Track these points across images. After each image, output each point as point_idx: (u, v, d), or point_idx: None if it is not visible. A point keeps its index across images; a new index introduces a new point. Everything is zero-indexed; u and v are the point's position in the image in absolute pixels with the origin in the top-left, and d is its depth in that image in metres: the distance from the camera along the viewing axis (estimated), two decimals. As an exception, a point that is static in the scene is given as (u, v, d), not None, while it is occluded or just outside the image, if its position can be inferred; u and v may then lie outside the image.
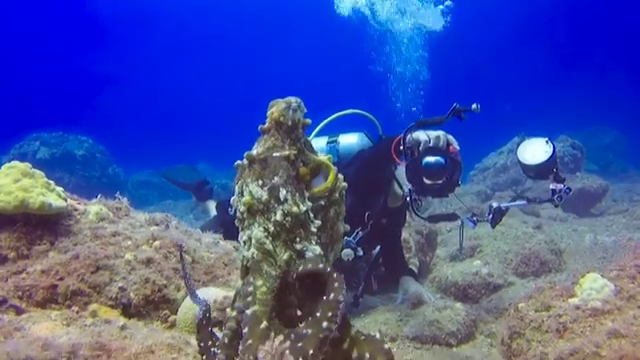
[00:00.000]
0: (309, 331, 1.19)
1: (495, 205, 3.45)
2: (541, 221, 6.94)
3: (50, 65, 32.41)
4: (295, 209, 1.31)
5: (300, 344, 1.16)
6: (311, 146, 1.41)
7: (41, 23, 31.30)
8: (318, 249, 1.33)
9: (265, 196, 1.32)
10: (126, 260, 2.26)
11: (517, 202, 3.60)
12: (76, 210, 2.62)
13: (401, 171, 4.14)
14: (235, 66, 37.18)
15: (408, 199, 3.55)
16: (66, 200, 2.55)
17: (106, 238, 2.43)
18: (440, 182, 3.44)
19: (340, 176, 1.41)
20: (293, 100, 1.35)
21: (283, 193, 1.31)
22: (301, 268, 1.29)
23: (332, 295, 1.22)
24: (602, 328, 1.97)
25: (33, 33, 31.29)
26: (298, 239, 1.31)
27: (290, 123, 1.33)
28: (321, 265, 1.28)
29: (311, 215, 1.34)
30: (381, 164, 4.11)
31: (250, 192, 1.33)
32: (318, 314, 1.22)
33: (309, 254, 1.32)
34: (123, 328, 1.72)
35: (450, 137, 3.51)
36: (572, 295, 2.32)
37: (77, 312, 1.97)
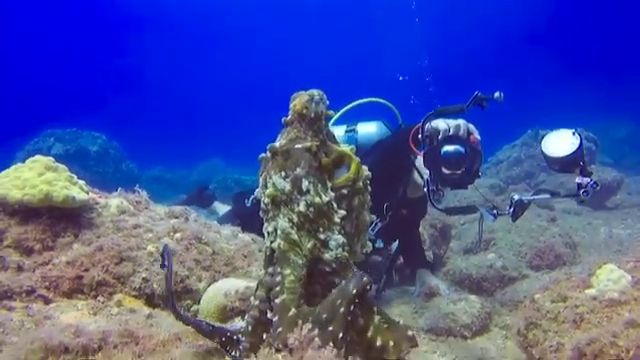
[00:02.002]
0: (338, 303, 1.22)
1: (517, 197, 3.25)
2: (555, 214, 6.90)
3: (63, 61, 32.71)
4: (318, 200, 1.34)
5: (330, 328, 1.20)
6: (333, 137, 1.43)
7: (54, 19, 31.57)
8: (341, 239, 1.35)
9: (288, 187, 1.35)
10: (148, 252, 2.31)
11: (540, 196, 3.41)
12: (97, 203, 2.68)
13: (422, 160, 4.12)
14: (247, 61, 37.23)
15: (426, 189, 3.43)
16: (88, 193, 2.61)
17: (128, 230, 2.48)
18: (459, 172, 3.31)
19: (364, 167, 1.44)
20: (316, 92, 1.37)
21: (305, 184, 1.34)
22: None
23: (361, 278, 1.25)
24: (619, 318, 1.98)
25: (46, 29, 31.57)
26: (321, 229, 1.34)
27: (313, 115, 1.36)
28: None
29: (334, 205, 1.36)
30: (399, 154, 4.07)
31: (273, 184, 1.36)
32: (345, 292, 1.26)
33: (332, 243, 1.35)
34: (149, 317, 1.77)
35: (471, 126, 3.40)
36: (589, 286, 2.32)
37: (103, 302, 2.02)
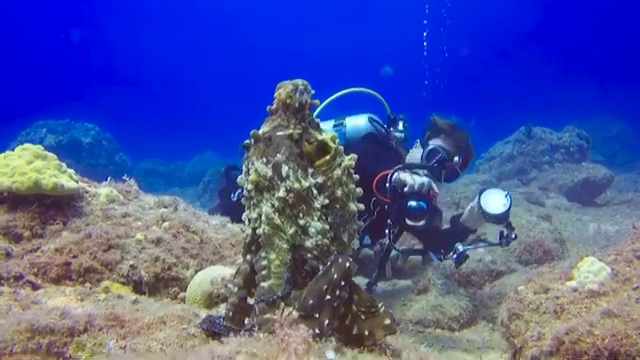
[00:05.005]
0: (324, 288, 1.25)
1: (461, 249, 3.77)
2: (546, 210, 6.97)
3: (58, 52, 32.57)
4: (297, 185, 1.36)
5: (316, 315, 1.23)
6: (317, 125, 1.45)
7: (49, 12, 31.40)
8: (320, 225, 1.38)
9: (269, 173, 1.37)
10: (136, 240, 2.34)
11: (479, 244, 4.15)
12: (87, 192, 2.69)
13: (413, 156, 4.17)
14: (239, 53, 37.19)
15: (387, 231, 3.79)
16: (77, 182, 2.62)
17: (117, 219, 2.50)
18: (420, 224, 3.68)
19: (353, 155, 1.45)
20: (300, 82, 1.39)
21: (285, 169, 1.36)
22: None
23: (341, 261, 1.28)
24: (597, 309, 2.02)
25: (42, 22, 31.41)
26: (301, 214, 1.37)
27: (297, 105, 1.38)
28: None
29: (314, 191, 1.38)
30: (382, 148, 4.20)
31: (256, 170, 1.39)
32: (329, 277, 1.29)
33: (312, 230, 1.37)
34: (135, 302, 1.80)
35: (434, 185, 3.76)
36: (570, 278, 2.36)
37: (90, 288, 2.04)
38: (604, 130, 17.01)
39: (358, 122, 4.40)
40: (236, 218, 3.05)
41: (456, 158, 3.94)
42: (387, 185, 3.72)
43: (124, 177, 2.99)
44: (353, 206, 1.48)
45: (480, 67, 31.26)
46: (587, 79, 27.51)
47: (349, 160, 1.46)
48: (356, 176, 1.49)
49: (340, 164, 1.40)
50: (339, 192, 1.43)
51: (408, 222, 3.69)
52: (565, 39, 31.87)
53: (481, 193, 3.79)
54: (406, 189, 3.65)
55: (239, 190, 4.88)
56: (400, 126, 4.38)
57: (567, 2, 30.70)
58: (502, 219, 3.71)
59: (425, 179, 3.71)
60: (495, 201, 3.70)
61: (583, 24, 31.04)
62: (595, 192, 9.17)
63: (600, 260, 2.35)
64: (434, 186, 3.76)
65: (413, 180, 3.67)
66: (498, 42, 32.17)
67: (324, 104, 4.32)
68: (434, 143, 4.13)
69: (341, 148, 1.43)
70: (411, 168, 3.84)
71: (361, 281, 4.34)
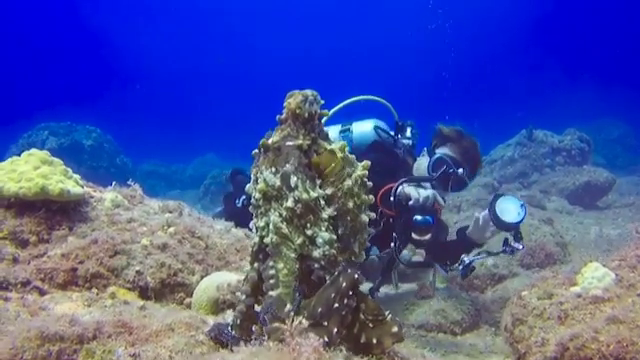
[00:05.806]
0: (332, 296, 1.26)
1: (467, 260, 3.79)
2: (547, 214, 6.97)
3: (59, 55, 32.61)
4: (305, 196, 1.37)
5: (325, 323, 1.24)
6: (326, 135, 1.46)
7: (49, 13, 31.46)
8: (328, 235, 1.38)
9: (278, 183, 1.38)
10: (142, 245, 2.35)
11: (480, 256, 4.00)
12: (92, 197, 2.70)
13: (420, 164, 4.17)
14: (240, 55, 37.24)
15: (393, 245, 3.75)
16: (83, 187, 2.64)
17: (122, 224, 2.51)
18: (427, 238, 3.67)
19: (367, 163, 1.45)
20: (309, 93, 1.40)
21: (294, 180, 1.37)
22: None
23: (350, 271, 1.29)
24: (601, 315, 2.03)
25: (42, 24, 31.45)
26: (308, 225, 1.37)
27: (306, 115, 1.39)
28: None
29: (322, 202, 1.39)
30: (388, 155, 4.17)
31: (264, 179, 1.40)
32: (337, 285, 1.30)
33: (319, 240, 1.38)
34: (142, 308, 1.81)
35: (438, 197, 3.74)
36: (574, 284, 2.37)
37: (97, 294, 2.06)
38: (605, 132, 17.02)
39: (365, 129, 4.40)
40: (240, 225, 3.07)
41: (460, 170, 3.93)
42: (391, 198, 3.67)
43: (129, 182, 3.00)
44: (365, 217, 1.48)
45: (481, 69, 31.31)
46: (587, 81, 27.51)
47: (362, 170, 1.45)
48: (369, 183, 1.48)
49: (351, 175, 1.41)
50: (350, 204, 1.43)
51: (414, 236, 3.68)
52: (565, 40, 31.92)
53: (496, 198, 3.75)
54: (411, 203, 3.64)
55: (244, 196, 4.88)
56: (408, 133, 4.35)
57: (568, 3, 30.74)
58: (512, 228, 3.70)
59: (430, 192, 3.69)
60: (510, 208, 3.69)
61: (583, 25, 31.10)
62: (597, 195, 9.17)
63: (604, 266, 2.36)
64: (439, 199, 3.74)
65: (418, 194, 3.65)
66: (498, 44, 32.21)
67: (330, 113, 4.29)
68: (441, 152, 4.12)
69: (352, 157, 1.44)
70: (415, 181, 3.81)
71: (364, 286, 4.34)
